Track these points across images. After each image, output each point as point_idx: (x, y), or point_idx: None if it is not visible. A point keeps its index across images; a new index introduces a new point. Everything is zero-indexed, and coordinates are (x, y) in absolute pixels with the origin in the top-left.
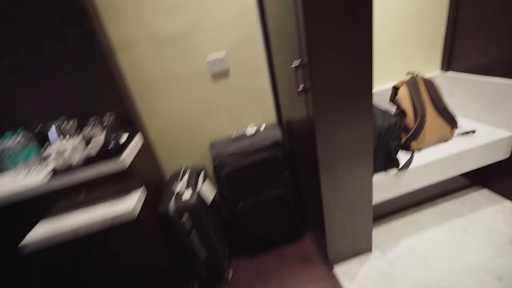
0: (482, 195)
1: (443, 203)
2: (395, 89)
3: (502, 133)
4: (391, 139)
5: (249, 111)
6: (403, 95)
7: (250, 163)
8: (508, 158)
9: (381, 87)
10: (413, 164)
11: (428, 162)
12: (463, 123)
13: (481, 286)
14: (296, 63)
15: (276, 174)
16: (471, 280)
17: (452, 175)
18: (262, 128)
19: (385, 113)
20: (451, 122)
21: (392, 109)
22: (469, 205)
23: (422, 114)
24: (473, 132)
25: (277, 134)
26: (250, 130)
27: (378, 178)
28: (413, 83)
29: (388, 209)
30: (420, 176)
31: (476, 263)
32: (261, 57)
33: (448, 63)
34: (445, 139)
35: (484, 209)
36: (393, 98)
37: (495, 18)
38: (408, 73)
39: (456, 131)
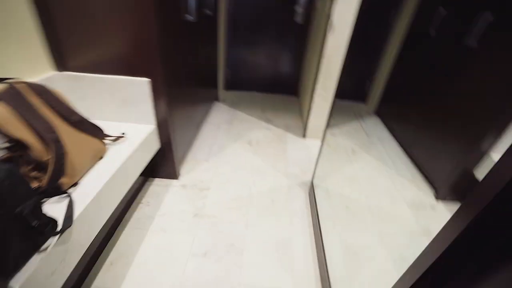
0: (157, 185)
1: (132, 217)
2: None
3: (147, 128)
4: (22, 201)
5: None
6: (7, 118)
7: None
8: (160, 147)
9: None
10: (78, 209)
11: (98, 192)
12: (107, 128)
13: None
14: None
15: None
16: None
17: (128, 188)
18: None
19: None
20: (97, 132)
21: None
22: (153, 203)
23: (53, 138)
24: (123, 135)
25: None
26: None
27: (30, 269)
28: (15, 95)
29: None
30: (96, 215)
31: (184, 252)
32: None
33: (62, 61)
34: (99, 155)
35: (165, 198)
36: None
37: (94, 15)
38: None
39: (107, 140)
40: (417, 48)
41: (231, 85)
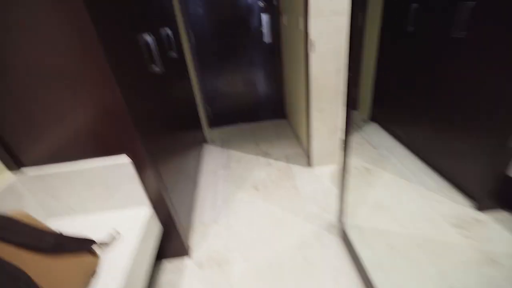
0: (167, 271)
1: None
2: None
3: (141, 212)
4: None
5: None
6: None
7: None
8: (164, 230)
9: None
10: None
11: None
12: (93, 223)
13: None
14: None
15: None
16: None
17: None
18: None
19: None
20: (83, 245)
21: None
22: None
23: (23, 283)
24: (119, 233)
25: None
26: None
27: None
28: None
29: None
30: None
31: None
32: None
33: (16, 159)
34: (91, 270)
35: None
36: None
37: (39, 98)
38: None
39: (97, 248)
40: (397, 47)
41: (216, 122)
